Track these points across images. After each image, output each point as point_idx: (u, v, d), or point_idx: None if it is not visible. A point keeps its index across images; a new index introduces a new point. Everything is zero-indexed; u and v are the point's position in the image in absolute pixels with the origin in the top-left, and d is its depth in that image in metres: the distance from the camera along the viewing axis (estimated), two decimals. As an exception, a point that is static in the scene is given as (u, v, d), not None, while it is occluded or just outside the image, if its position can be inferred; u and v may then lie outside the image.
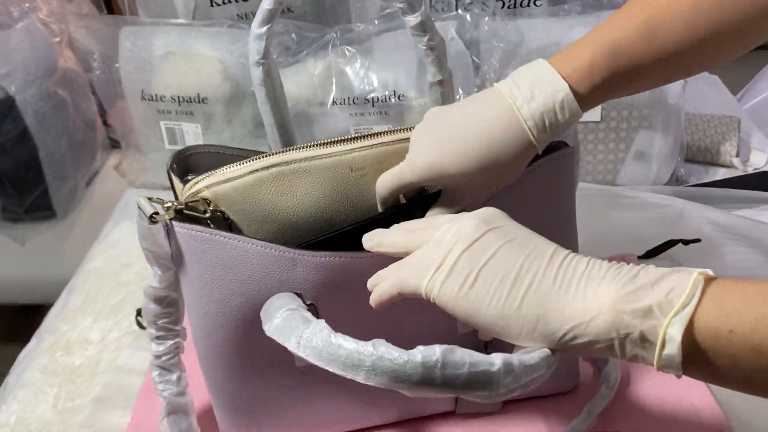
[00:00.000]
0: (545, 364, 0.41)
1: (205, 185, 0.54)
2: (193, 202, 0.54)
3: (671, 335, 0.36)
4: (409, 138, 0.54)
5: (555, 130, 0.50)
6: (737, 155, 1.07)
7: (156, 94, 0.96)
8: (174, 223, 0.52)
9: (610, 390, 0.63)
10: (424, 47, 0.65)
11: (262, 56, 0.66)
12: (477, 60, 0.95)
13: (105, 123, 1.22)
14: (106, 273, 0.89)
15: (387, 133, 0.55)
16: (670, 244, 0.83)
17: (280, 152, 0.54)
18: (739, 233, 0.87)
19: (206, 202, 0.54)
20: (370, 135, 0.55)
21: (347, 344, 0.41)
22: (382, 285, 0.45)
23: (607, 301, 0.38)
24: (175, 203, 0.52)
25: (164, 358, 0.59)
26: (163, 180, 1.03)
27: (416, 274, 0.43)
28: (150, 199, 0.53)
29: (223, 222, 0.54)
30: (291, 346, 0.44)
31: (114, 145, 1.23)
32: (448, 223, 0.44)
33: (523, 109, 0.49)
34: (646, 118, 0.96)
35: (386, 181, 0.54)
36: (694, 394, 0.65)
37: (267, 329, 0.47)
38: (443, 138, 0.51)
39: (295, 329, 0.44)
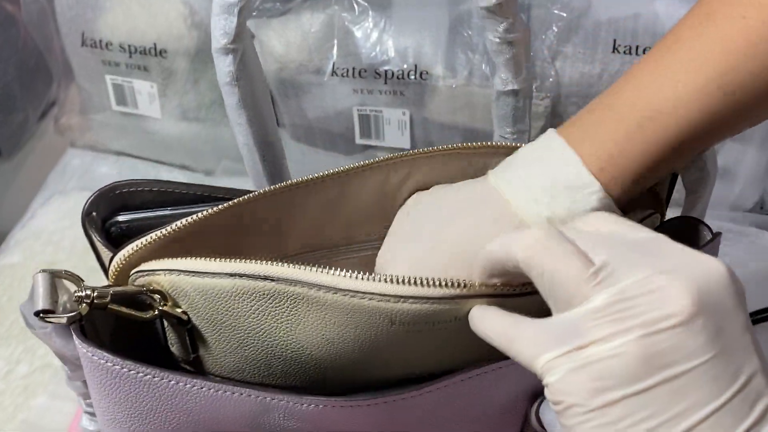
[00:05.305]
0: None
1: (165, 267, 0.33)
2: (132, 288, 0.34)
3: None
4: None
5: None
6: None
7: (100, 40, 0.73)
8: (76, 337, 0.32)
9: None
10: (497, 39, 0.44)
11: (232, 38, 0.43)
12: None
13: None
14: (22, 275, 0.67)
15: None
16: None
17: (276, 264, 0.32)
18: None
19: (157, 294, 0.34)
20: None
21: None
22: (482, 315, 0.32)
23: None
24: (95, 292, 0.32)
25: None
26: (111, 144, 0.82)
27: (535, 337, 0.29)
28: (56, 274, 0.33)
29: (180, 328, 0.35)
30: None
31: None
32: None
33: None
34: (738, 126, 0.74)
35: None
36: None
37: None
38: None
39: None
